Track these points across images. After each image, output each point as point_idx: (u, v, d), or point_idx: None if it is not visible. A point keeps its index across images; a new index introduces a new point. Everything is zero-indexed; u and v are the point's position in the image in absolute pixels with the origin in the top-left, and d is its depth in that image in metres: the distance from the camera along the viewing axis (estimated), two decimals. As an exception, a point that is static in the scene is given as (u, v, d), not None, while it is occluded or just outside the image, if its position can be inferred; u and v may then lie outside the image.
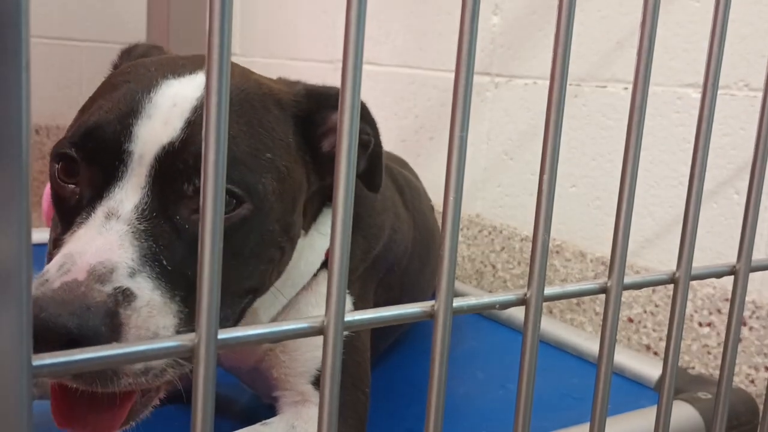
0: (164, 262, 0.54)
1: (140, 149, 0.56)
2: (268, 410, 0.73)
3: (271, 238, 0.61)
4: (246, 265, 0.60)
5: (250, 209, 0.57)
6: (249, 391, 0.81)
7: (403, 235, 0.85)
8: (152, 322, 0.52)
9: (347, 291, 0.82)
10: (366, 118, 0.70)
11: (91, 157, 0.57)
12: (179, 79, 0.60)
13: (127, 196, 0.55)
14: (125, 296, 0.50)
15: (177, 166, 0.55)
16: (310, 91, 0.68)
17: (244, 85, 0.63)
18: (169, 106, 0.57)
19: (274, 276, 0.65)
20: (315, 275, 0.73)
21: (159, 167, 0.55)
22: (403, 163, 1.12)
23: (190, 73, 0.61)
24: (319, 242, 0.73)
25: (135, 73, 0.61)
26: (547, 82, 0.39)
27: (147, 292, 0.52)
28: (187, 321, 0.54)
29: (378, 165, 0.73)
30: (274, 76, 0.71)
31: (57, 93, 2.12)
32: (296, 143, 0.65)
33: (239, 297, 0.61)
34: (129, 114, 0.57)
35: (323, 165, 0.69)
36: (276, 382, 0.72)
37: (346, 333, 0.83)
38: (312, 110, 0.67)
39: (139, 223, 0.54)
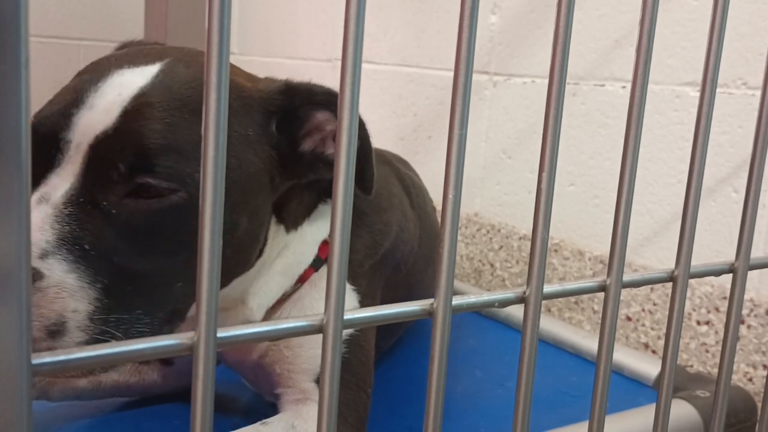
0: (86, 247, 0.54)
1: (78, 138, 0.57)
2: (268, 409, 0.73)
3: None
4: (173, 262, 0.57)
5: (183, 197, 0.56)
6: (249, 389, 0.81)
7: (410, 234, 0.85)
8: (59, 304, 0.51)
9: (353, 288, 0.80)
10: None
11: (35, 149, 0.57)
12: (133, 68, 0.60)
13: (61, 182, 0.56)
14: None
15: (106, 153, 0.56)
16: (290, 86, 0.65)
17: (200, 75, 0.61)
18: (114, 96, 0.58)
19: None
20: (317, 271, 0.72)
21: (92, 155, 0.56)
22: (405, 163, 1.12)
23: (147, 64, 0.61)
24: (311, 235, 0.72)
25: (97, 64, 0.62)
26: (546, 81, 0.39)
27: (58, 273, 0.52)
28: (105, 311, 0.53)
29: (366, 165, 0.69)
30: (273, 75, 0.70)
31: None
32: (257, 137, 0.63)
33: (165, 301, 0.58)
34: (73, 104, 0.58)
35: (301, 164, 0.66)
36: (278, 379, 0.71)
37: (351, 331, 0.81)
38: (290, 106, 0.65)
39: (65, 208, 0.55)
